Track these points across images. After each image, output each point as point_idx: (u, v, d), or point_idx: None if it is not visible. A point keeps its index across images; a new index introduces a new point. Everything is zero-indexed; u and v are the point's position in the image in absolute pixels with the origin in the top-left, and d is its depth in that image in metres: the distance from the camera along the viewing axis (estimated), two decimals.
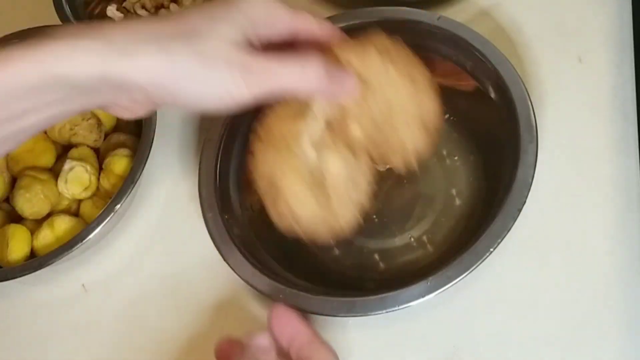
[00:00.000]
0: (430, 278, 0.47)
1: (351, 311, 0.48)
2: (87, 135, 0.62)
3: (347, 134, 0.49)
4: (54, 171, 0.62)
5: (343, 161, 0.49)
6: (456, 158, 0.58)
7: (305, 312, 0.49)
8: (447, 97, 0.58)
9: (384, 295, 0.48)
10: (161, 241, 0.61)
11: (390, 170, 0.52)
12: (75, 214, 0.62)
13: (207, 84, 0.38)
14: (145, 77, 0.37)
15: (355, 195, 0.49)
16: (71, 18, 0.69)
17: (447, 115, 0.58)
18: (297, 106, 0.48)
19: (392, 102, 0.48)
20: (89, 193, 0.61)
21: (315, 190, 0.48)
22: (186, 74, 0.37)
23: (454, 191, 0.57)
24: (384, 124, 0.48)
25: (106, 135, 0.64)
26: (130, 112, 0.41)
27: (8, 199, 0.62)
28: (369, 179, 0.50)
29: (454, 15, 0.59)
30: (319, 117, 0.48)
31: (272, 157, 0.49)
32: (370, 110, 0.48)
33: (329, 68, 0.42)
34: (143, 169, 0.57)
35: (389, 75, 0.48)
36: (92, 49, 0.36)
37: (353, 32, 0.56)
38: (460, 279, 0.46)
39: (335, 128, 0.49)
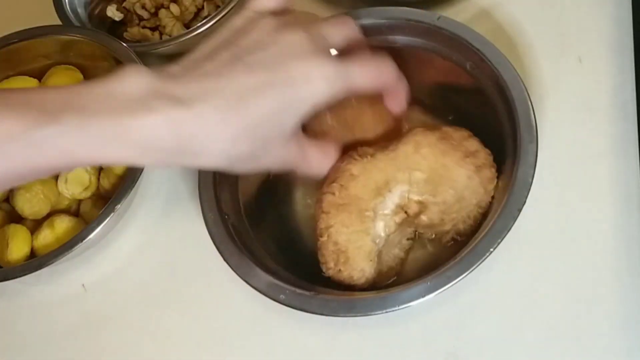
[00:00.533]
0: (430, 278, 0.47)
1: (351, 311, 0.48)
2: None
3: (417, 223, 0.52)
4: None
5: (401, 242, 0.54)
6: None
7: (305, 312, 0.49)
8: (447, 97, 0.59)
9: (384, 295, 0.48)
10: (161, 241, 0.61)
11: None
12: (75, 214, 0.62)
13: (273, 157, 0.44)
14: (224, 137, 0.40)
15: (394, 261, 0.54)
16: (71, 18, 0.69)
17: (449, 117, 0.59)
18: (379, 182, 0.51)
19: (464, 201, 0.51)
20: (89, 193, 0.61)
21: (376, 266, 0.52)
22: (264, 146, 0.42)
23: None
24: (451, 213, 0.51)
25: None
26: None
27: (8, 199, 0.62)
28: (407, 247, 0.55)
29: (454, 15, 0.59)
30: (397, 202, 0.51)
31: (349, 232, 0.51)
32: (445, 210, 0.51)
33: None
34: (143, 169, 0.57)
35: (471, 182, 0.51)
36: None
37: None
38: (460, 279, 0.46)
39: (411, 218, 0.51)
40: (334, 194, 0.51)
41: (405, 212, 0.51)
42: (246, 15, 0.45)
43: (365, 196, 0.50)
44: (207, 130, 0.38)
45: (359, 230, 0.50)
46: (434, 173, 0.50)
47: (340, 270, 0.51)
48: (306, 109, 0.41)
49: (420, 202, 0.51)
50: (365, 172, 0.51)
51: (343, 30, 0.47)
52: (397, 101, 0.50)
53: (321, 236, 0.51)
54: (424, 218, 0.51)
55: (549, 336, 0.50)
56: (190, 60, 0.42)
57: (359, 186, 0.50)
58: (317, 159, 0.49)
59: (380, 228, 0.51)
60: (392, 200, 0.50)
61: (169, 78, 0.39)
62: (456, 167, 0.50)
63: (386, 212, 0.50)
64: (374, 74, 0.46)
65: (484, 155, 0.52)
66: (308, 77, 0.41)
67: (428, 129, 0.52)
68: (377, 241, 0.51)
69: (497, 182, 0.52)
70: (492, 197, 0.52)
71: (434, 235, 0.54)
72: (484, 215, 0.52)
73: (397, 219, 0.51)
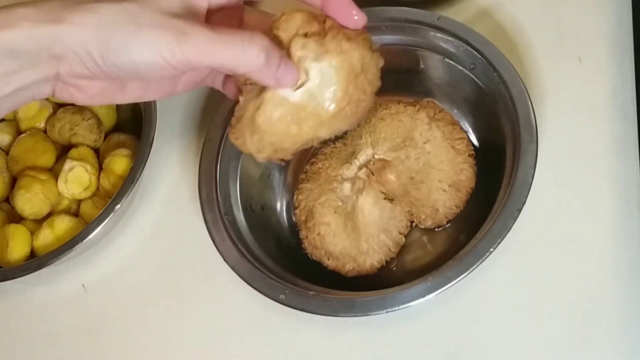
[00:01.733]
0: (430, 278, 0.47)
1: (351, 311, 0.48)
2: (87, 135, 0.62)
3: (385, 182, 0.54)
4: (54, 171, 0.62)
5: (377, 205, 0.54)
6: None
7: (305, 312, 0.49)
8: (447, 97, 0.59)
9: (383, 295, 0.48)
10: (161, 241, 0.61)
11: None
12: (75, 214, 0.62)
13: (140, 48, 0.37)
14: (78, 41, 0.36)
15: (384, 239, 0.54)
16: None
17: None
18: (347, 152, 0.54)
19: (432, 162, 0.54)
20: (89, 193, 0.61)
21: (348, 226, 0.54)
22: (119, 38, 0.36)
23: None
24: (421, 181, 0.54)
25: (106, 135, 0.64)
26: (87, 94, 0.40)
27: (8, 199, 0.62)
28: (401, 229, 0.55)
29: (454, 15, 0.59)
30: (362, 163, 0.55)
31: (315, 194, 0.55)
32: (410, 166, 0.54)
33: (272, 53, 0.38)
34: (143, 169, 0.57)
35: (434, 137, 0.55)
36: (24, 16, 0.36)
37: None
38: (460, 279, 0.46)
39: (376, 176, 0.54)
40: (306, 172, 0.57)
41: (370, 170, 0.55)
42: None
43: (334, 166, 0.56)
44: (65, 32, 0.36)
45: (325, 190, 0.55)
46: (395, 134, 0.55)
47: (309, 229, 0.54)
48: None
49: (383, 160, 0.54)
50: (335, 152, 0.57)
51: None
52: (342, 4, 0.42)
53: (295, 208, 0.57)
54: (391, 177, 0.54)
55: (549, 335, 0.50)
56: None
57: (326, 161, 0.56)
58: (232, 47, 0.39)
59: (347, 188, 0.55)
60: (356, 164, 0.55)
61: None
62: (416, 126, 0.55)
63: (351, 173, 0.55)
64: None
65: (449, 118, 0.56)
66: None
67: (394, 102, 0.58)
68: (344, 199, 0.54)
69: (474, 157, 0.55)
70: (474, 185, 0.55)
71: (429, 222, 0.55)
72: (468, 202, 0.54)
73: (361, 174, 0.55)
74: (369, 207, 0.53)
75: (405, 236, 0.56)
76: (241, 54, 0.37)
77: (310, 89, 0.41)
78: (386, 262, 0.55)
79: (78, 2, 0.37)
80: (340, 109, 0.42)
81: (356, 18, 0.42)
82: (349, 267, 0.54)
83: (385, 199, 0.54)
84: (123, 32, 0.36)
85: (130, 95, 0.42)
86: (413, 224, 0.56)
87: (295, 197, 0.58)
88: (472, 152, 0.55)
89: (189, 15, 0.38)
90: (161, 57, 0.37)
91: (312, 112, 0.41)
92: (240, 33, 0.38)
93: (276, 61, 0.39)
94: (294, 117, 0.41)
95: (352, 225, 0.53)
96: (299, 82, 0.41)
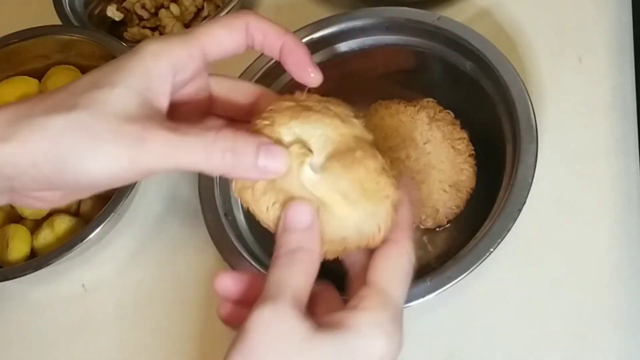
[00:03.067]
0: (430, 278, 0.47)
1: None
2: None
3: None
4: None
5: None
6: None
7: None
8: (448, 96, 0.59)
9: None
10: (161, 241, 0.61)
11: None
12: (75, 214, 0.62)
13: (97, 161, 0.33)
14: (28, 160, 0.33)
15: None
16: (71, 18, 0.69)
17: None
18: None
19: (432, 162, 0.54)
20: None
21: None
22: (73, 153, 0.33)
23: None
24: (421, 182, 0.54)
25: None
26: (47, 202, 0.36)
27: None
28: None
29: (454, 15, 0.59)
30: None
31: None
32: (410, 166, 0.54)
33: (242, 149, 0.34)
34: None
35: (434, 137, 0.55)
36: None
37: (356, 33, 0.58)
38: (460, 279, 0.46)
39: None
40: None
41: None
42: None
43: None
44: (14, 152, 0.33)
45: None
46: (395, 134, 0.55)
47: None
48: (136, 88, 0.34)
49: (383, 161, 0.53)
50: None
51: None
52: (295, 51, 0.37)
53: None
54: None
55: (549, 335, 0.50)
56: None
57: None
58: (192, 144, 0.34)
59: None
60: None
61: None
62: (416, 126, 0.55)
63: None
64: (225, 20, 0.36)
65: (449, 118, 0.56)
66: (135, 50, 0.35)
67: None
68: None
69: (474, 157, 0.55)
70: (474, 187, 0.55)
71: (430, 222, 0.55)
72: (468, 203, 0.54)
73: None
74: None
75: None
76: (204, 157, 0.34)
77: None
78: None
79: (26, 115, 0.33)
80: None
81: (312, 76, 0.38)
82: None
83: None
84: (77, 147, 0.33)
85: (99, 190, 0.37)
86: (414, 225, 0.56)
87: None
88: (472, 152, 0.55)
89: (148, 115, 0.34)
90: (120, 167, 0.33)
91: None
92: (204, 134, 0.34)
93: (251, 154, 0.34)
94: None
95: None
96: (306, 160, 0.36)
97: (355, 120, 0.38)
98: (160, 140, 0.33)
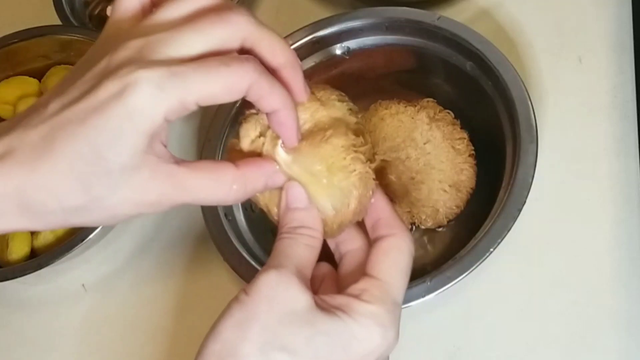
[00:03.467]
0: (430, 278, 0.47)
1: None
2: None
3: (385, 183, 0.53)
4: None
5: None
6: None
7: None
8: (447, 97, 0.59)
9: None
10: (161, 241, 0.61)
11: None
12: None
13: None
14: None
15: None
16: (71, 18, 0.69)
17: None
18: None
19: (432, 162, 0.54)
20: None
21: None
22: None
23: None
24: (421, 182, 0.54)
25: None
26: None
27: None
28: None
29: (454, 15, 0.59)
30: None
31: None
32: (410, 166, 0.54)
33: (248, 176, 0.36)
34: None
35: (434, 137, 0.55)
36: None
37: (356, 33, 0.57)
38: (460, 279, 0.46)
39: (376, 177, 0.51)
40: None
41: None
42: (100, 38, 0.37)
43: None
44: (11, 186, 0.32)
45: None
46: (395, 134, 0.55)
47: None
48: (134, 135, 0.32)
49: (383, 160, 0.54)
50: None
51: (212, 31, 0.34)
52: (284, 123, 0.36)
53: None
54: (391, 177, 0.54)
55: (549, 335, 0.50)
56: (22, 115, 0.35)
57: None
58: (205, 189, 0.35)
59: None
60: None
61: None
62: (416, 126, 0.55)
63: None
64: (228, 78, 0.33)
65: (449, 118, 0.56)
66: (121, 95, 0.31)
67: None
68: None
69: (474, 157, 0.55)
70: (474, 187, 0.55)
71: (430, 222, 0.55)
72: (468, 203, 0.54)
73: None
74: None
75: None
76: (225, 194, 0.36)
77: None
78: None
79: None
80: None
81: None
82: None
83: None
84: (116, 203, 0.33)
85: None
86: (414, 225, 0.56)
87: None
88: (473, 152, 0.55)
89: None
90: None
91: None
92: (221, 174, 0.35)
93: (261, 185, 0.37)
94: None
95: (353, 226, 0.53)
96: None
97: (338, 104, 0.39)
98: (187, 177, 0.34)
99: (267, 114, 0.36)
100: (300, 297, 0.35)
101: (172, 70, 0.32)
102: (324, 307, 0.35)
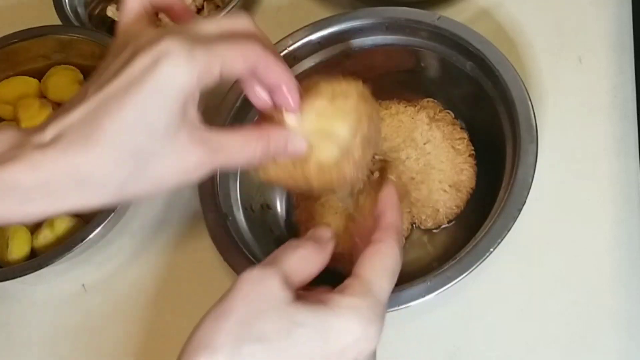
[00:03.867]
0: (430, 278, 0.47)
1: None
2: None
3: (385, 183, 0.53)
4: None
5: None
6: None
7: None
8: (447, 96, 0.59)
9: None
10: (161, 241, 0.61)
11: None
12: (76, 214, 0.62)
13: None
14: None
15: None
16: (71, 18, 0.69)
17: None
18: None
19: (432, 162, 0.54)
20: None
21: (349, 226, 0.53)
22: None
23: None
24: (421, 182, 0.54)
25: None
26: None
27: None
28: (402, 230, 0.53)
29: (454, 15, 0.59)
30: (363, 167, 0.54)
31: (315, 195, 0.55)
32: (410, 166, 0.54)
33: (269, 131, 0.41)
34: None
35: (434, 137, 0.55)
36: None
37: (356, 33, 0.57)
38: (460, 279, 0.46)
39: (376, 177, 0.53)
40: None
41: (370, 171, 0.54)
42: (119, 34, 0.41)
43: None
44: (68, 165, 0.35)
45: (326, 203, 0.55)
46: (395, 134, 0.55)
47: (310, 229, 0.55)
48: (173, 99, 0.35)
49: (383, 160, 0.55)
50: None
51: (225, 24, 0.39)
52: (285, 93, 0.41)
53: (295, 208, 0.57)
54: (391, 177, 0.53)
55: (549, 335, 0.50)
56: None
57: None
58: (235, 148, 0.40)
59: (347, 189, 0.53)
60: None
61: (33, 128, 0.37)
62: (416, 126, 0.55)
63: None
64: (244, 49, 0.38)
65: (449, 118, 0.56)
66: (156, 63, 0.35)
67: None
68: (345, 200, 0.54)
69: (474, 157, 0.55)
70: (474, 186, 0.55)
71: (430, 223, 0.55)
72: (468, 203, 0.54)
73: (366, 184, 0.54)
74: (370, 208, 0.53)
75: (406, 237, 0.56)
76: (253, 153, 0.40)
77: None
78: None
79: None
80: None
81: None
82: (349, 267, 0.53)
83: None
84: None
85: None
86: (414, 226, 0.56)
87: (295, 198, 0.58)
88: (473, 152, 0.55)
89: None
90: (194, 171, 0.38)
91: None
92: (240, 129, 0.40)
93: (283, 146, 0.42)
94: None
95: (353, 226, 0.53)
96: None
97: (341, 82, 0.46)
98: (219, 138, 0.38)
99: (271, 86, 0.40)
100: (279, 293, 0.36)
101: (199, 38, 0.36)
102: (304, 302, 0.36)
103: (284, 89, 0.41)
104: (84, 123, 0.35)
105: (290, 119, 0.43)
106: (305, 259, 0.39)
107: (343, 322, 0.36)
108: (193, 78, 0.36)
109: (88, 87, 0.37)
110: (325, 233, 0.42)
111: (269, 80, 0.40)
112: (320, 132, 0.44)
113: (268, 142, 0.40)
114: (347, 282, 0.39)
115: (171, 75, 0.35)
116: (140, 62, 0.35)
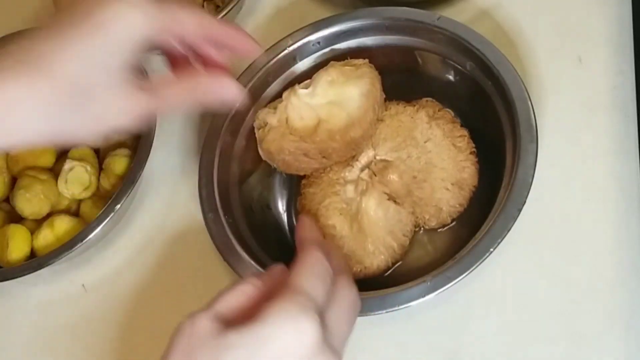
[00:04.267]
0: (430, 278, 0.47)
1: None
2: None
3: (387, 183, 0.54)
4: (54, 171, 0.62)
5: (381, 205, 0.53)
6: None
7: None
8: (447, 96, 0.59)
9: (384, 295, 0.48)
10: (161, 241, 0.61)
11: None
12: (75, 214, 0.62)
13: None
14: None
15: (390, 241, 0.53)
16: None
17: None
18: (349, 156, 0.55)
19: (434, 161, 0.54)
20: (89, 193, 0.61)
21: (354, 227, 0.53)
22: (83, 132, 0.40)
23: None
24: (423, 180, 0.54)
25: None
26: None
27: (8, 199, 0.62)
28: (405, 232, 0.54)
29: (454, 15, 0.59)
30: (363, 165, 0.55)
31: (319, 197, 0.55)
32: (412, 165, 0.54)
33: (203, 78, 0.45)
34: (143, 169, 0.57)
35: (434, 135, 0.55)
36: None
37: (356, 33, 0.57)
38: (460, 279, 0.46)
39: (378, 176, 0.54)
40: (307, 177, 0.57)
41: (372, 171, 0.55)
42: None
43: (336, 169, 0.55)
44: (10, 100, 0.37)
45: (329, 193, 0.55)
46: (395, 134, 0.55)
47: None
48: (130, 42, 0.40)
49: (384, 160, 0.55)
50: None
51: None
52: (243, 42, 0.46)
53: (299, 213, 0.57)
54: (393, 177, 0.54)
55: (549, 336, 0.50)
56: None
57: (330, 167, 0.56)
58: (175, 95, 0.44)
59: (350, 190, 0.54)
60: (358, 166, 0.55)
61: None
62: (416, 125, 0.55)
63: (354, 176, 0.55)
64: (201, 18, 0.43)
65: (449, 117, 0.57)
66: (115, 14, 0.39)
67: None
68: (348, 201, 0.54)
69: (475, 154, 0.55)
70: (476, 185, 0.55)
71: (434, 222, 0.55)
72: (471, 201, 0.54)
73: (364, 175, 0.55)
74: (374, 208, 0.53)
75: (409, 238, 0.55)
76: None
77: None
78: (392, 263, 0.54)
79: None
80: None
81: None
82: (355, 269, 0.53)
83: (389, 199, 0.54)
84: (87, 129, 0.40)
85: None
86: (419, 228, 0.56)
87: (298, 202, 0.58)
88: (474, 149, 0.55)
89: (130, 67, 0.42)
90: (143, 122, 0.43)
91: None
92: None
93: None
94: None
95: (357, 227, 0.53)
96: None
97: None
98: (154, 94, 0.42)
99: (227, 44, 0.45)
100: (208, 329, 0.37)
101: (157, 2, 0.41)
102: (235, 327, 0.36)
103: (242, 38, 0.45)
104: (31, 59, 0.37)
105: (300, 91, 0.50)
106: (235, 291, 0.40)
107: (271, 328, 0.35)
108: (146, 31, 0.40)
109: (44, 24, 0.40)
110: (277, 269, 0.43)
111: (223, 37, 0.44)
112: (333, 101, 0.52)
113: (200, 85, 0.44)
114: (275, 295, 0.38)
115: (130, 26, 0.39)
116: (102, 11, 0.39)
